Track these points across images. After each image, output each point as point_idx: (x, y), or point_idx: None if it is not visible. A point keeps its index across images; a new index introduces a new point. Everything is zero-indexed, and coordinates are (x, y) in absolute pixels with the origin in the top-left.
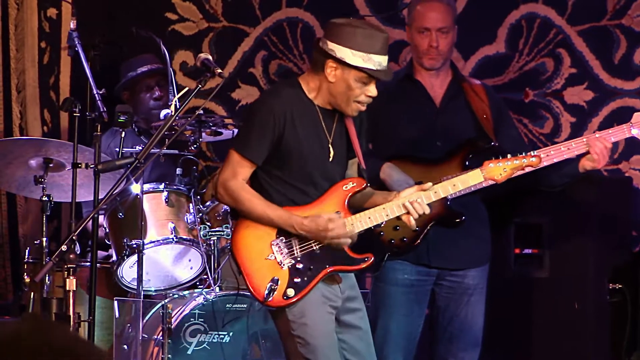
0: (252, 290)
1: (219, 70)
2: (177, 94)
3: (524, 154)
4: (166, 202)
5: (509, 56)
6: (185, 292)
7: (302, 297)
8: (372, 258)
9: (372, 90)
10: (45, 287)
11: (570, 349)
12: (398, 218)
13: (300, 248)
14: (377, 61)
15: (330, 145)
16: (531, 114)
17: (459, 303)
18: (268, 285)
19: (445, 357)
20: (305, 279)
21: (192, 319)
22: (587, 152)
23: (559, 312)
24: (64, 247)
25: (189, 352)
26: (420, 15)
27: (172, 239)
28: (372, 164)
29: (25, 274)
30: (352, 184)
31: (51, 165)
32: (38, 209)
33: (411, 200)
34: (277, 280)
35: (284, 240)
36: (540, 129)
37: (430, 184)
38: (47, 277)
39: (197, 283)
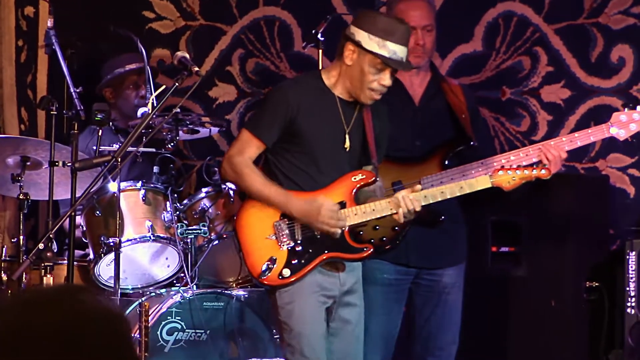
0: (248, 267)
1: (196, 69)
2: (155, 92)
3: (534, 165)
4: (143, 200)
5: (485, 54)
6: (163, 290)
7: (298, 279)
8: (372, 249)
9: (386, 79)
10: (23, 285)
11: (547, 346)
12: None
13: (302, 231)
14: (393, 49)
15: (347, 135)
16: (508, 112)
17: (436, 302)
18: (265, 264)
19: (423, 355)
20: (303, 261)
21: (169, 317)
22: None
23: (536, 310)
24: (41, 245)
25: (166, 350)
26: (403, 14)
27: (149, 237)
28: None
29: (2, 272)
30: (362, 175)
31: (28, 163)
32: (15, 207)
33: (404, 195)
34: (275, 259)
35: (287, 222)
36: (517, 127)
37: (419, 186)
38: (24, 275)
39: (174, 281)
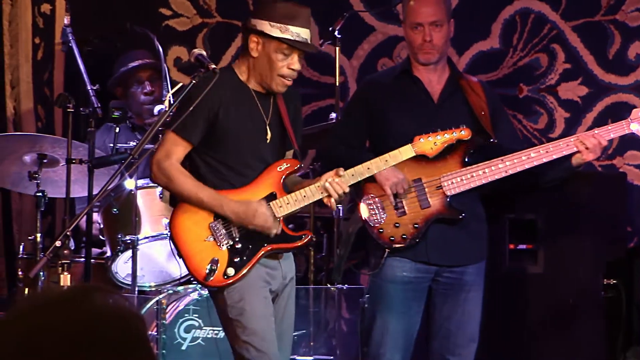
0: (191, 271)
1: (213, 66)
2: (171, 89)
3: (453, 128)
4: (160, 197)
5: (503, 52)
6: (180, 288)
7: (243, 275)
8: (310, 235)
9: (295, 62)
10: (40, 283)
11: (565, 344)
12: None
13: (238, 228)
14: (296, 32)
15: (267, 127)
16: (525, 110)
17: (456, 299)
18: (208, 266)
19: (442, 353)
20: (245, 258)
21: (186, 315)
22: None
23: (554, 307)
24: (58, 243)
25: (184, 347)
26: (412, 11)
27: (167, 234)
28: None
29: (19, 269)
30: (286, 164)
31: (45, 161)
32: (32, 204)
33: (330, 181)
34: (217, 260)
35: (222, 222)
36: (534, 124)
37: (342, 169)
38: (41, 273)
39: (192, 279)
